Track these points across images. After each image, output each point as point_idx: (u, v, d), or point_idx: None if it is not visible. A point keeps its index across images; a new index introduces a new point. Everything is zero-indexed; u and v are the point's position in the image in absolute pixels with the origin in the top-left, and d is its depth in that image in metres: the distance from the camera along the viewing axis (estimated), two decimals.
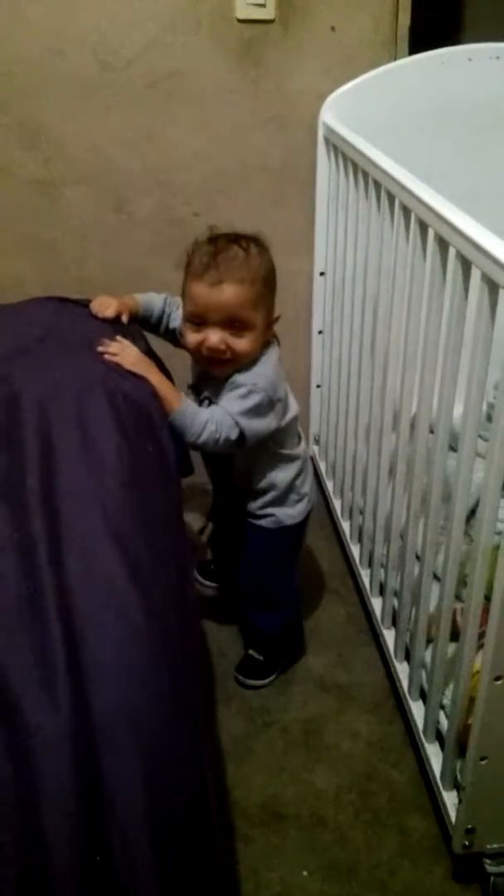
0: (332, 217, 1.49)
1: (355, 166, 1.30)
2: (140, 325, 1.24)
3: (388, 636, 1.35)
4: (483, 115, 1.52)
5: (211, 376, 1.18)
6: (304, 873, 1.11)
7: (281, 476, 1.25)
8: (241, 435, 1.12)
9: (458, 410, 0.99)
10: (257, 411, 1.13)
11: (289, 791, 1.22)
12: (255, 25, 1.46)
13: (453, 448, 1.02)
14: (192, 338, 1.13)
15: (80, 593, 0.66)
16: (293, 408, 1.24)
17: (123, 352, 1.04)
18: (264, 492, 1.26)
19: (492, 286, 0.83)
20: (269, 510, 1.27)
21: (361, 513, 1.51)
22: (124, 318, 1.17)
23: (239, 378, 1.14)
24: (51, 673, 0.58)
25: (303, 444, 1.29)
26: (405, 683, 1.25)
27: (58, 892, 0.48)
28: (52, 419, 0.88)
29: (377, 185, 1.18)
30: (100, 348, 1.02)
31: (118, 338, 1.06)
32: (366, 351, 1.35)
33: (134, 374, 1.02)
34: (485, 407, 1.02)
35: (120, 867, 0.50)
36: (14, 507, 0.73)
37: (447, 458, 1.06)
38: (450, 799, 1.08)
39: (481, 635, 0.97)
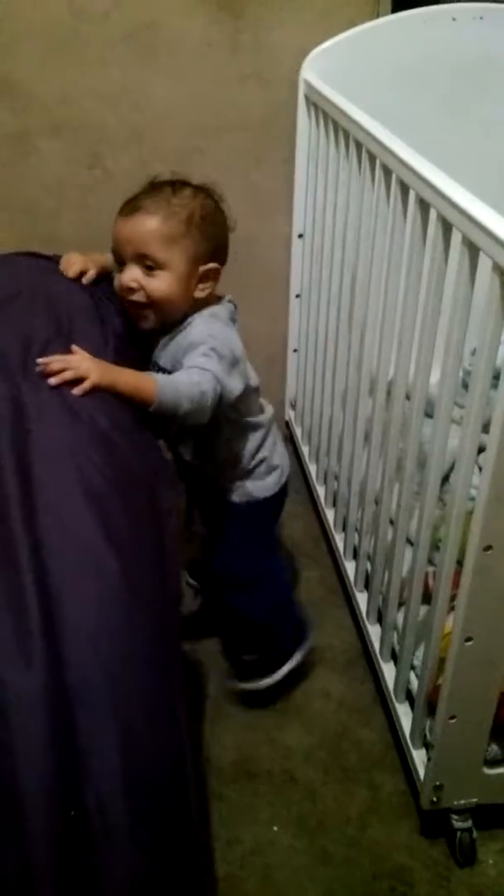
0: (311, 178, 1.47)
1: (336, 125, 1.27)
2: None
3: (361, 599, 1.37)
4: (466, 75, 1.50)
5: (160, 339, 1.09)
6: (275, 829, 1.14)
7: (246, 446, 1.18)
8: (221, 394, 1.01)
9: (434, 377, 0.99)
10: (227, 366, 1.03)
11: (260, 750, 1.24)
12: None
13: (429, 414, 1.02)
14: (115, 282, 1.06)
15: (54, 552, 0.66)
16: (253, 375, 1.14)
17: (73, 366, 0.86)
18: (231, 465, 1.19)
19: (472, 249, 0.82)
20: (238, 483, 1.20)
21: (336, 478, 1.51)
22: (90, 275, 1.10)
23: (190, 336, 1.04)
24: (24, 630, 0.58)
25: (267, 411, 1.20)
26: (377, 645, 1.27)
27: (32, 848, 0.48)
28: (22, 377, 0.86)
29: (358, 145, 1.16)
30: (39, 369, 0.86)
31: (61, 355, 0.89)
32: (343, 315, 1.34)
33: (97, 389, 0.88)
34: (461, 374, 1.02)
35: (94, 824, 0.50)
36: None
37: (423, 425, 1.06)
38: (419, 757, 1.11)
39: (452, 598, 0.98)
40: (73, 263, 1.10)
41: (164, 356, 1.09)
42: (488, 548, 0.85)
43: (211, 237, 1.06)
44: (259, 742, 1.25)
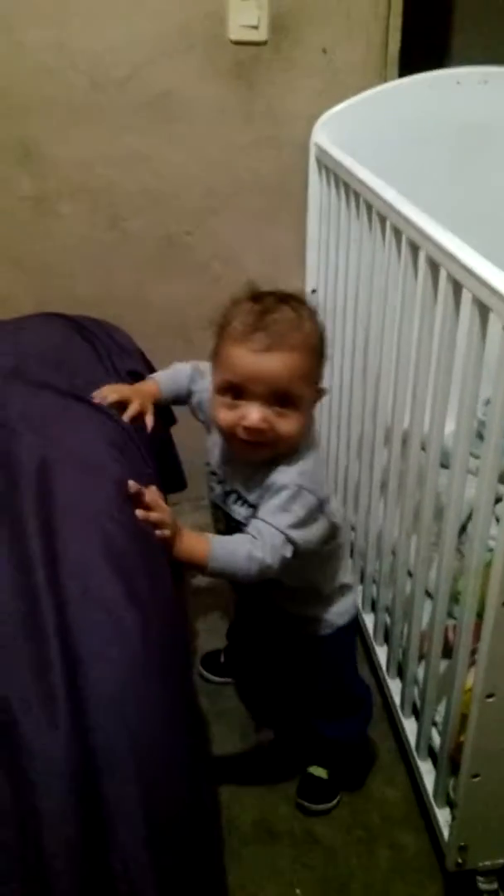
0: (323, 236, 1.50)
1: (347, 187, 1.31)
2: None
3: (381, 652, 1.35)
4: (471, 136, 1.54)
5: (240, 462, 1.00)
6: (297, 891, 1.11)
7: (324, 575, 1.08)
8: (296, 551, 0.93)
9: (449, 428, 1.00)
10: (308, 518, 0.94)
11: (281, 809, 1.22)
12: (247, 47, 1.47)
13: (444, 465, 1.03)
14: (225, 416, 0.93)
15: (78, 615, 0.67)
16: (337, 510, 1.06)
17: (166, 521, 0.84)
18: (305, 596, 1.09)
19: (482, 308, 0.84)
20: (316, 613, 1.10)
21: (353, 528, 1.51)
22: (149, 421, 1.02)
23: (279, 477, 0.94)
24: (50, 694, 0.58)
25: (341, 531, 1.10)
26: (398, 700, 1.26)
27: None
28: (47, 441, 0.88)
29: (368, 205, 1.19)
30: (140, 514, 0.82)
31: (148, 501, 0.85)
32: (357, 367, 1.36)
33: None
34: (475, 424, 1.03)
35: (120, 890, 0.50)
36: (11, 528, 0.73)
37: (439, 475, 1.07)
38: (443, 816, 1.08)
39: (473, 652, 0.98)
40: (124, 397, 1.02)
41: (249, 490, 0.99)
42: None
43: (325, 359, 0.99)
44: (279, 801, 1.23)
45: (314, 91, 1.52)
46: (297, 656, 1.15)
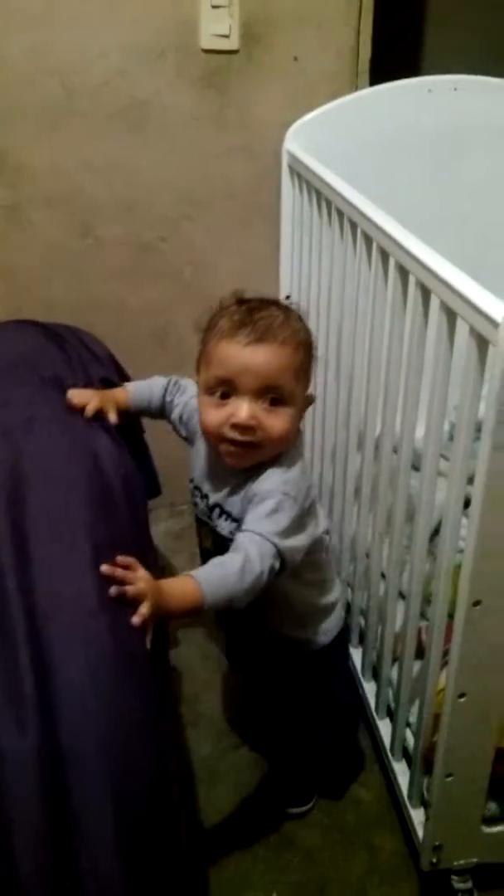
0: (296, 243, 1.52)
1: (318, 194, 1.33)
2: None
3: (356, 655, 1.36)
4: (443, 144, 1.57)
5: (223, 475, 0.98)
6: (274, 894, 1.11)
7: (300, 592, 1.06)
8: (283, 561, 0.90)
9: (420, 431, 1.02)
10: (293, 527, 0.91)
11: (257, 812, 1.22)
12: (219, 55, 1.49)
13: (416, 468, 1.05)
14: (212, 415, 0.91)
15: (48, 619, 0.67)
16: (322, 521, 1.05)
17: (138, 587, 0.75)
18: (284, 612, 1.07)
19: (450, 314, 0.85)
20: (297, 634, 1.09)
21: (327, 532, 1.52)
22: (111, 418, 1.02)
23: (262, 485, 0.92)
24: (19, 695, 0.58)
25: (325, 552, 1.09)
26: (372, 702, 1.27)
27: None
28: (18, 450, 0.88)
29: (340, 213, 1.21)
30: (104, 570, 0.74)
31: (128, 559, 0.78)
32: (331, 373, 1.38)
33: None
34: (447, 427, 1.05)
35: (88, 886, 0.50)
36: None
37: (410, 478, 1.08)
38: (417, 816, 1.09)
39: (445, 653, 0.99)
40: (88, 400, 1.00)
41: (233, 504, 0.97)
42: (477, 603, 0.86)
43: (312, 364, 0.98)
44: (255, 804, 1.24)
45: (286, 99, 1.54)
46: (283, 673, 1.14)
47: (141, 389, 1.11)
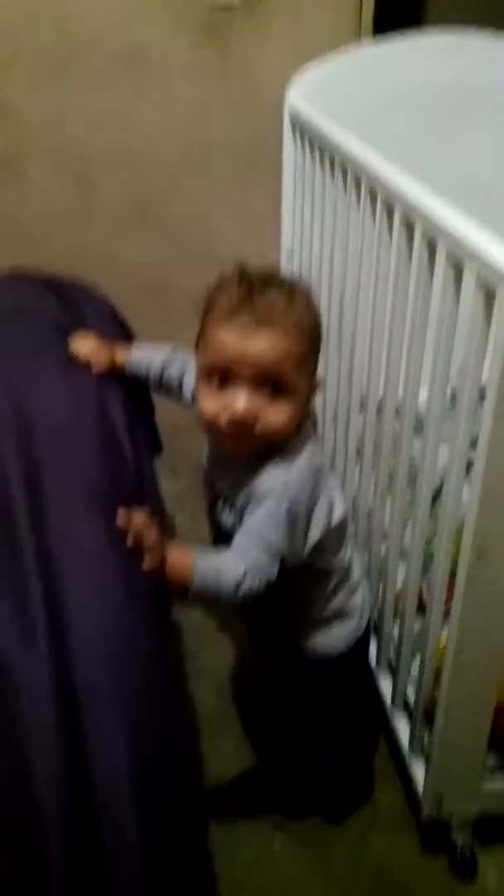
0: (298, 199, 1.49)
1: (321, 148, 1.30)
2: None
3: None
4: (446, 99, 1.54)
5: (227, 464, 0.93)
6: (277, 847, 1.13)
7: (315, 594, 0.99)
8: (282, 565, 0.87)
9: (423, 395, 1.01)
10: (293, 531, 0.87)
11: (262, 763, 1.24)
12: (221, 10, 1.45)
13: (419, 431, 1.04)
14: (209, 404, 0.86)
15: (59, 558, 0.67)
16: (339, 507, 0.96)
17: (150, 538, 0.75)
18: (294, 615, 1.01)
19: (457, 265, 0.84)
20: (303, 639, 1.02)
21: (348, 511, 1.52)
22: (94, 367, 0.98)
23: (264, 482, 0.87)
24: (32, 633, 0.59)
25: (348, 549, 1.02)
26: (374, 659, 1.28)
27: (48, 840, 0.50)
28: (23, 395, 0.88)
29: (343, 166, 1.19)
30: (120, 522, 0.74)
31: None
32: (333, 331, 1.36)
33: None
34: (449, 391, 1.03)
35: (104, 823, 0.51)
36: None
37: (413, 442, 1.08)
38: (417, 769, 1.11)
39: (447, 612, 0.99)
40: (85, 345, 0.99)
41: (236, 496, 0.92)
42: (480, 557, 0.87)
43: (319, 350, 0.91)
44: (259, 755, 1.25)
45: (288, 54, 1.51)
46: (288, 679, 1.09)
47: (142, 356, 1.06)
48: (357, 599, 1.04)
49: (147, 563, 0.74)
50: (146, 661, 0.64)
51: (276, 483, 0.87)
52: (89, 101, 1.48)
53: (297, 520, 0.87)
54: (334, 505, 0.95)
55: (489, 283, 0.76)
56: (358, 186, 1.13)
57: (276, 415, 0.85)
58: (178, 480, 1.79)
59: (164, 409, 1.27)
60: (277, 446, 0.89)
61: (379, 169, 1.04)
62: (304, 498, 0.88)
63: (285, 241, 1.58)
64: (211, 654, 1.42)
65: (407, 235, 0.98)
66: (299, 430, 0.91)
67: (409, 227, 0.97)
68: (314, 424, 0.99)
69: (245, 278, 0.87)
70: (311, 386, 0.91)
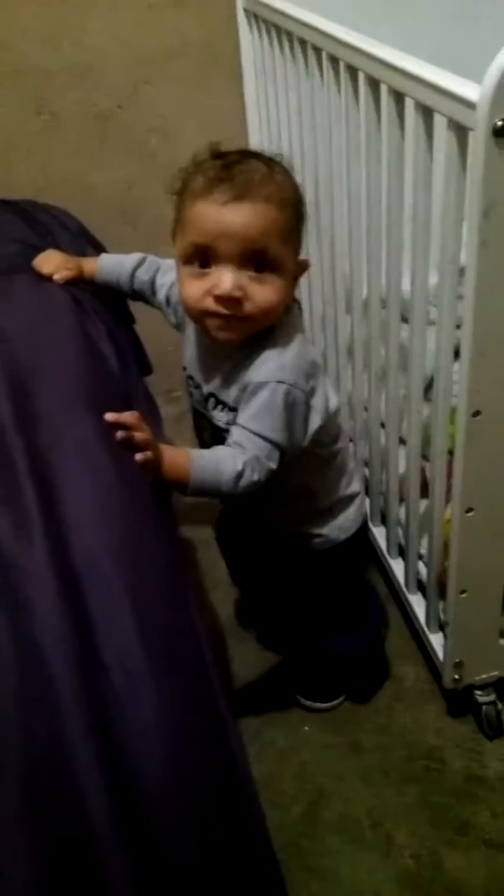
0: (262, 92, 1.44)
1: (278, 30, 1.25)
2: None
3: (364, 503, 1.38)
4: None
5: (215, 361, 0.91)
6: (306, 728, 1.16)
7: (319, 483, 0.99)
8: (283, 456, 0.85)
9: (406, 283, 0.98)
10: (292, 418, 0.85)
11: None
12: None
13: (405, 319, 1.02)
14: (192, 288, 0.82)
15: (50, 453, 0.67)
16: (333, 396, 0.94)
17: (139, 434, 0.74)
18: (300, 505, 1.00)
19: (426, 112, 0.82)
20: (314, 530, 1.02)
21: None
22: (63, 275, 0.95)
23: (256, 374, 0.85)
24: (25, 520, 0.59)
25: (342, 437, 1.01)
26: (384, 544, 1.29)
27: (61, 706, 0.50)
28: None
29: (302, 42, 1.14)
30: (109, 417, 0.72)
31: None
32: (311, 230, 1.33)
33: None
34: (436, 278, 0.99)
35: (115, 679, 0.52)
36: None
37: (401, 330, 1.07)
38: (436, 640, 1.13)
39: (448, 490, 0.99)
40: (48, 260, 0.95)
41: (228, 393, 0.90)
42: (477, 413, 0.86)
43: (303, 225, 0.87)
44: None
45: None
46: (294, 571, 1.08)
47: (111, 263, 1.03)
48: (355, 486, 1.04)
49: (140, 457, 0.73)
50: (146, 542, 0.64)
51: (270, 371, 0.84)
52: (35, 19, 1.41)
53: (296, 406, 0.85)
54: (329, 394, 0.93)
55: (460, 121, 0.73)
56: (319, 59, 1.09)
57: (264, 292, 0.81)
58: (173, 405, 1.78)
59: (153, 335, 1.25)
60: (267, 335, 0.86)
61: (337, 34, 0.99)
62: (301, 383, 0.85)
63: (253, 138, 1.54)
64: (223, 567, 1.43)
65: (374, 97, 0.94)
66: (289, 318, 0.89)
67: (374, 87, 0.93)
68: (301, 311, 0.95)
69: (219, 155, 0.83)
70: (298, 264, 0.87)
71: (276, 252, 0.81)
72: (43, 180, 1.53)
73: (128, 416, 0.73)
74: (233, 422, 0.89)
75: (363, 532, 1.08)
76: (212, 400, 0.93)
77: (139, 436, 0.73)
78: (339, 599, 1.11)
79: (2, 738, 0.50)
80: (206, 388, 0.93)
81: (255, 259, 0.80)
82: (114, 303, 1.10)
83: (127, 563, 0.58)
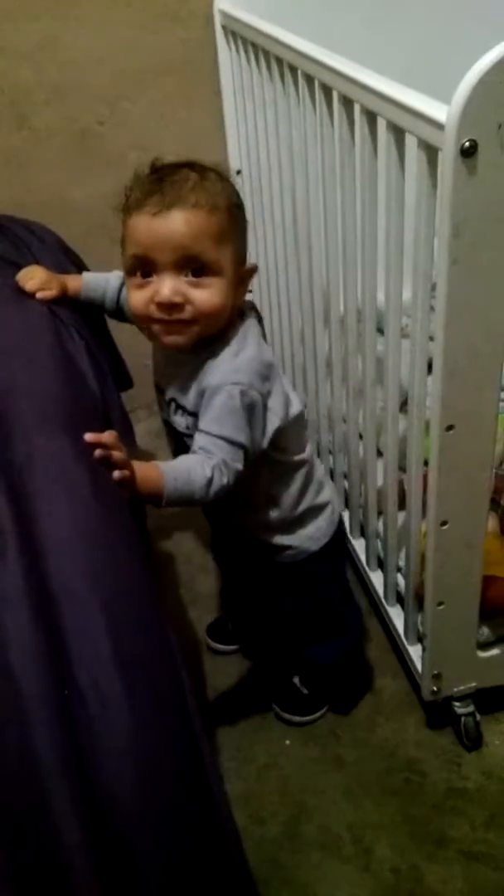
0: (240, 109, 1.46)
1: (255, 48, 1.27)
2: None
3: (343, 516, 1.38)
4: None
5: (174, 366, 0.92)
6: (287, 742, 1.16)
7: (285, 491, 0.99)
8: (246, 456, 0.87)
9: (382, 296, 1.00)
10: (252, 418, 0.87)
11: (261, 672, 1.27)
12: None
13: (381, 331, 1.03)
14: (137, 297, 0.85)
15: (26, 474, 0.67)
16: (295, 401, 0.96)
17: (116, 453, 0.75)
18: (268, 516, 1.00)
19: (398, 132, 0.83)
20: (284, 540, 1.02)
21: (305, 406, 1.52)
22: (47, 294, 0.96)
23: (212, 378, 0.87)
24: (3, 547, 0.59)
25: (308, 445, 1.03)
26: (363, 557, 1.30)
27: (32, 730, 0.50)
28: None
29: (278, 60, 1.16)
30: (89, 438, 0.73)
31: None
32: (290, 246, 1.35)
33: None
34: (407, 295, 1.00)
35: (89, 699, 0.52)
36: None
37: (377, 343, 1.08)
38: (415, 652, 1.13)
39: (425, 501, 1.00)
40: (32, 277, 0.97)
41: (187, 397, 0.91)
42: (450, 427, 0.87)
43: (244, 229, 0.90)
44: (257, 665, 1.28)
45: None
46: (269, 583, 1.08)
47: (96, 280, 1.04)
48: (325, 496, 1.04)
49: (118, 474, 0.74)
50: (122, 564, 0.63)
51: (224, 374, 0.86)
52: (15, 34, 1.42)
53: (254, 406, 0.87)
54: (290, 397, 0.94)
55: (430, 141, 0.75)
56: (295, 77, 1.11)
57: (204, 295, 0.84)
58: (155, 419, 1.78)
59: (132, 349, 1.25)
60: (222, 339, 0.88)
61: (310, 52, 1.01)
62: (257, 384, 0.87)
63: (232, 155, 1.55)
64: (204, 580, 1.44)
65: (347, 114, 0.96)
66: (243, 322, 0.91)
67: (348, 106, 0.95)
68: (260, 320, 0.96)
69: (155, 169, 0.87)
70: (243, 268, 0.90)
71: (211, 256, 0.83)
72: (23, 195, 1.53)
73: (106, 437, 0.74)
74: (192, 426, 0.91)
75: (340, 540, 1.08)
76: (173, 404, 0.94)
77: (116, 455, 0.74)
78: (316, 609, 1.11)
79: None
80: (169, 393, 0.95)
81: (191, 264, 0.83)
82: (92, 318, 1.10)
83: (103, 585, 0.58)
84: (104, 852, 0.50)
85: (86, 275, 1.07)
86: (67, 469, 0.70)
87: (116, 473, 0.74)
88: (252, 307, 0.96)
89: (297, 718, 1.18)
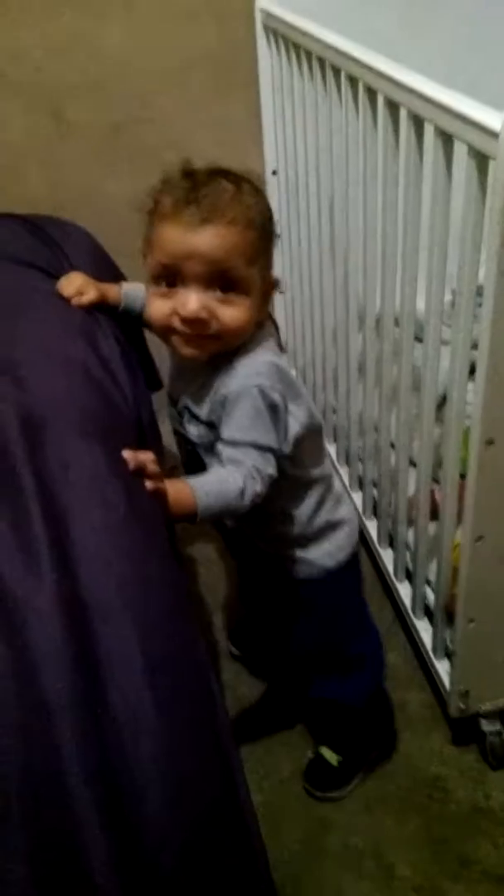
0: (279, 109, 1.44)
1: (297, 48, 1.25)
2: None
3: (371, 525, 1.37)
4: None
5: (189, 374, 0.89)
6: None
7: (300, 506, 0.95)
8: (276, 459, 0.84)
9: (421, 303, 0.98)
10: (276, 419, 0.83)
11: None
12: None
13: (419, 339, 1.01)
14: (159, 306, 0.82)
15: (60, 486, 0.65)
16: (316, 414, 0.92)
17: (151, 470, 0.73)
18: (282, 531, 0.96)
19: (446, 138, 0.81)
20: (298, 554, 0.97)
21: (335, 411, 1.51)
22: (84, 299, 0.94)
23: (231, 383, 0.83)
24: (33, 553, 0.57)
25: (326, 460, 0.98)
26: (391, 567, 1.28)
27: (61, 751, 0.49)
28: (10, 332, 0.86)
29: (321, 61, 1.14)
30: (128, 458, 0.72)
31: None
32: (325, 247, 1.33)
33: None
34: (449, 296, 0.99)
35: (120, 715, 0.50)
36: None
37: (414, 349, 1.05)
38: (443, 667, 1.11)
39: (459, 513, 0.98)
40: (71, 283, 0.95)
41: (201, 405, 0.88)
42: (490, 442, 0.85)
43: (272, 244, 0.87)
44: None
45: None
46: (282, 604, 1.02)
47: (135, 290, 1.01)
48: (343, 511, 0.99)
49: (150, 483, 0.72)
50: (155, 577, 0.62)
51: (243, 378, 0.83)
52: (53, 29, 1.41)
53: (276, 406, 0.83)
54: (311, 409, 0.91)
55: (481, 149, 0.72)
56: (338, 78, 1.09)
57: (231, 312, 0.81)
58: None
59: (164, 350, 1.23)
60: (238, 348, 0.85)
61: (356, 54, 0.99)
62: (277, 384, 0.84)
63: (269, 156, 1.53)
64: (225, 587, 1.43)
65: (392, 119, 0.94)
66: (261, 332, 0.88)
67: (393, 110, 0.93)
68: (277, 329, 0.94)
69: (188, 174, 0.83)
70: (268, 283, 0.87)
71: (242, 273, 0.81)
72: (58, 190, 1.53)
73: (143, 456, 0.72)
74: (205, 435, 0.88)
75: (355, 563, 1.02)
76: (186, 414, 0.92)
77: (151, 468, 0.73)
78: (331, 634, 1.04)
79: (2, 773, 0.49)
80: (182, 402, 0.92)
81: (221, 280, 0.81)
82: (126, 322, 1.09)
83: (137, 599, 0.57)
84: (132, 869, 0.49)
85: (125, 285, 1.05)
86: (102, 481, 0.68)
87: (149, 484, 0.72)
88: (269, 316, 0.92)
89: (331, 794, 1.10)
